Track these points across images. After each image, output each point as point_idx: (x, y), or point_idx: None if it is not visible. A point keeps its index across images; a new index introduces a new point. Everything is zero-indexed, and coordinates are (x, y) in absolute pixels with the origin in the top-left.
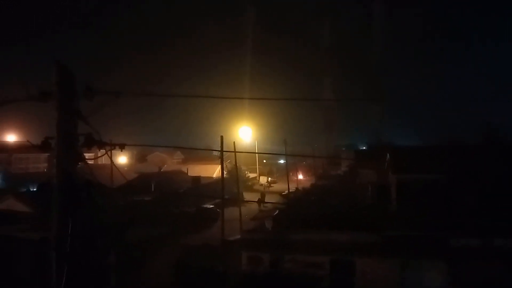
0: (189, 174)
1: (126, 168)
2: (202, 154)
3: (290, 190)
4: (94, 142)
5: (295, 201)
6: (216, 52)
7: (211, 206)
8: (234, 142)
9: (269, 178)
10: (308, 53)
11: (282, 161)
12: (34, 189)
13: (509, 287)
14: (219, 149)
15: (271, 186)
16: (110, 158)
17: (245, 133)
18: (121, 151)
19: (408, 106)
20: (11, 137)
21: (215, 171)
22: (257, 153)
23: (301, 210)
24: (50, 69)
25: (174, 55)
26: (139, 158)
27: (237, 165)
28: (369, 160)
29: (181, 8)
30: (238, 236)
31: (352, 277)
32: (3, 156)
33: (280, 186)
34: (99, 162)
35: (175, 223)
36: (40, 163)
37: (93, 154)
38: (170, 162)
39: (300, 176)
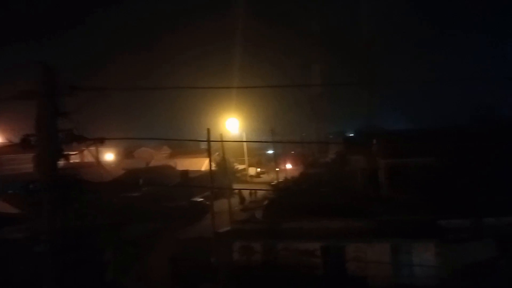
0: (177, 168)
1: (113, 165)
2: (190, 148)
3: (279, 180)
4: (74, 138)
5: (285, 191)
6: (203, 44)
7: (201, 199)
8: (221, 134)
9: (258, 169)
10: (296, 40)
11: (270, 151)
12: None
13: (499, 263)
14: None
15: (260, 177)
16: (95, 153)
17: (232, 124)
18: (101, 144)
19: (399, 89)
20: None
21: (203, 164)
22: (244, 141)
23: (291, 199)
24: (35, 69)
25: (161, 49)
26: (126, 154)
27: (226, 157)
28: (358, 146)
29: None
30: (229, 228)
31: (344, 263)
32: None
33: (269, 176)
34: (86, 160)
35: (167, 217)
36: (30, 163)
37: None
38: (158, 157)
39: (289, 166)
